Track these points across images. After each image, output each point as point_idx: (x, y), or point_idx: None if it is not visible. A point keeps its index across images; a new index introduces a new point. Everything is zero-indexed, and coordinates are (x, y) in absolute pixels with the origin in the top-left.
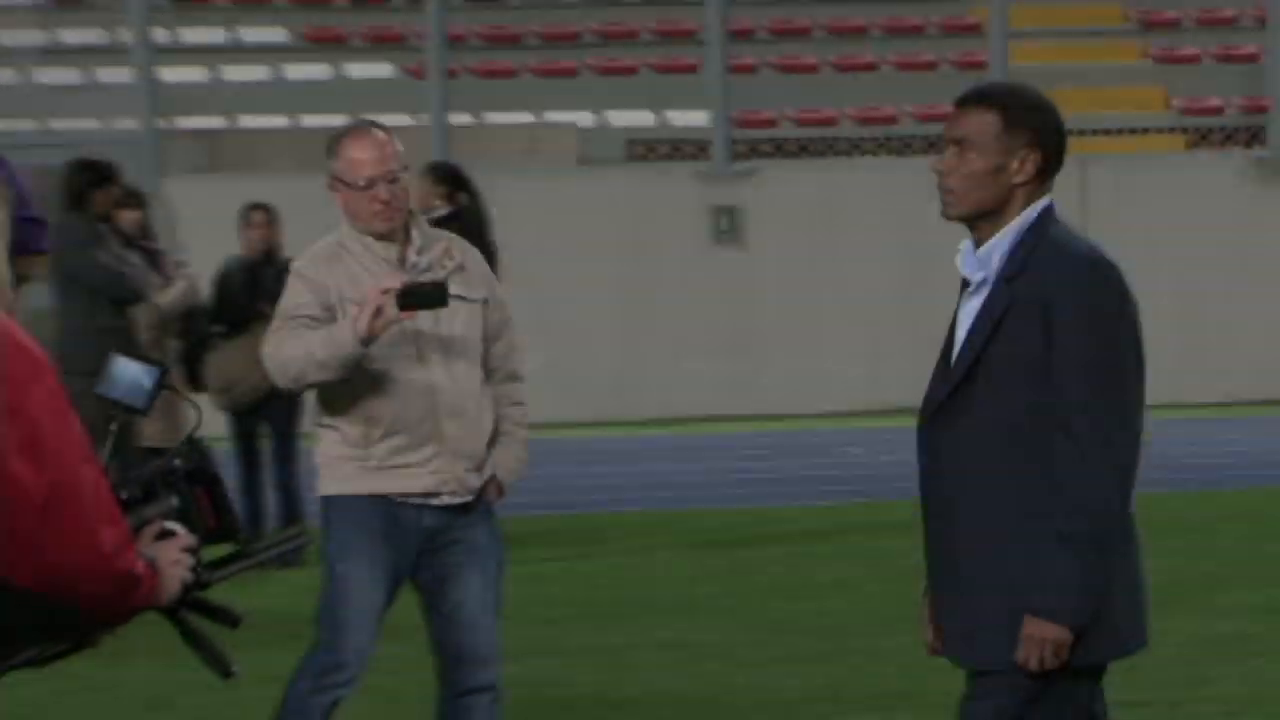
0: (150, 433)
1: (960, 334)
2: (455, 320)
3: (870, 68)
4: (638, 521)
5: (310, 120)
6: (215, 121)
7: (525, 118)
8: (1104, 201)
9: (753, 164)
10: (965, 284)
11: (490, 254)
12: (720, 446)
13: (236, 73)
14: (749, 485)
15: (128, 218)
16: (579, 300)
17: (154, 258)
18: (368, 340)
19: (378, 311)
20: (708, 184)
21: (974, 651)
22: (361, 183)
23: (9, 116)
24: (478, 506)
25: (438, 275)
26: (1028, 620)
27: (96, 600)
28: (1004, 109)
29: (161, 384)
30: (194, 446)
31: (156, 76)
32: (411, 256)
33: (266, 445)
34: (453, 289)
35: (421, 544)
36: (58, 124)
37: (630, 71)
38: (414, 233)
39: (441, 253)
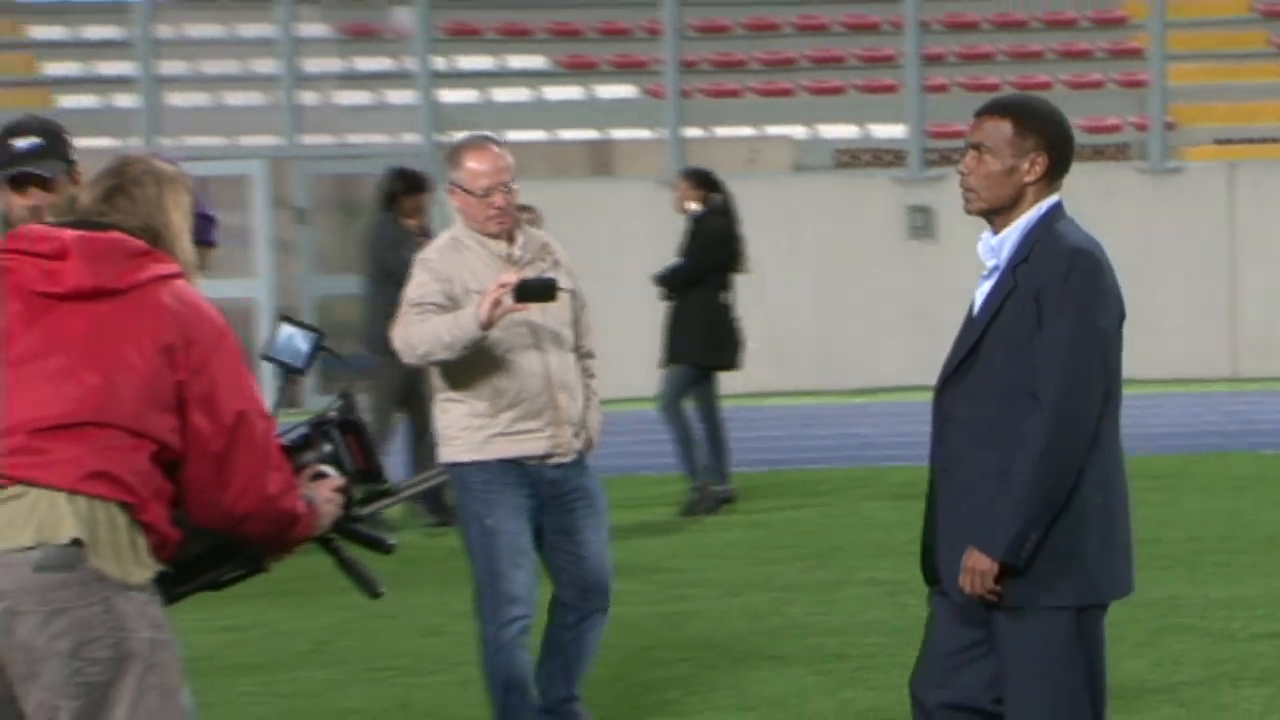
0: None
1: (975, 312)
2: (557, 309)
3: (1045, 86)
4: (844, 477)
5: (565, 135)
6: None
7: (748, 131)
8: (1250, 199)
9: (943, 170)
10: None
11: (739, 243)
12: (913, 413)
13: (503, 94)
14: None
15: (409, 221)
16: (794, 287)
17: None
18: (487, 325)
19: (497, 302)
20: (905, 187)
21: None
22: (480, 191)
23: (312, 133)
24: (579, 462)
25: (543, 271)
26: (968, 551)
27: (262, 534)
28: (1016, 118)
29: (318, 347)
30: (346, 400)
31: (436, 98)
32: (516, 252)
33: None
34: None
35: (545, 495)
36: (353, 139)
37: (838, 91)
38: (516, 232)
39: (539, 249)
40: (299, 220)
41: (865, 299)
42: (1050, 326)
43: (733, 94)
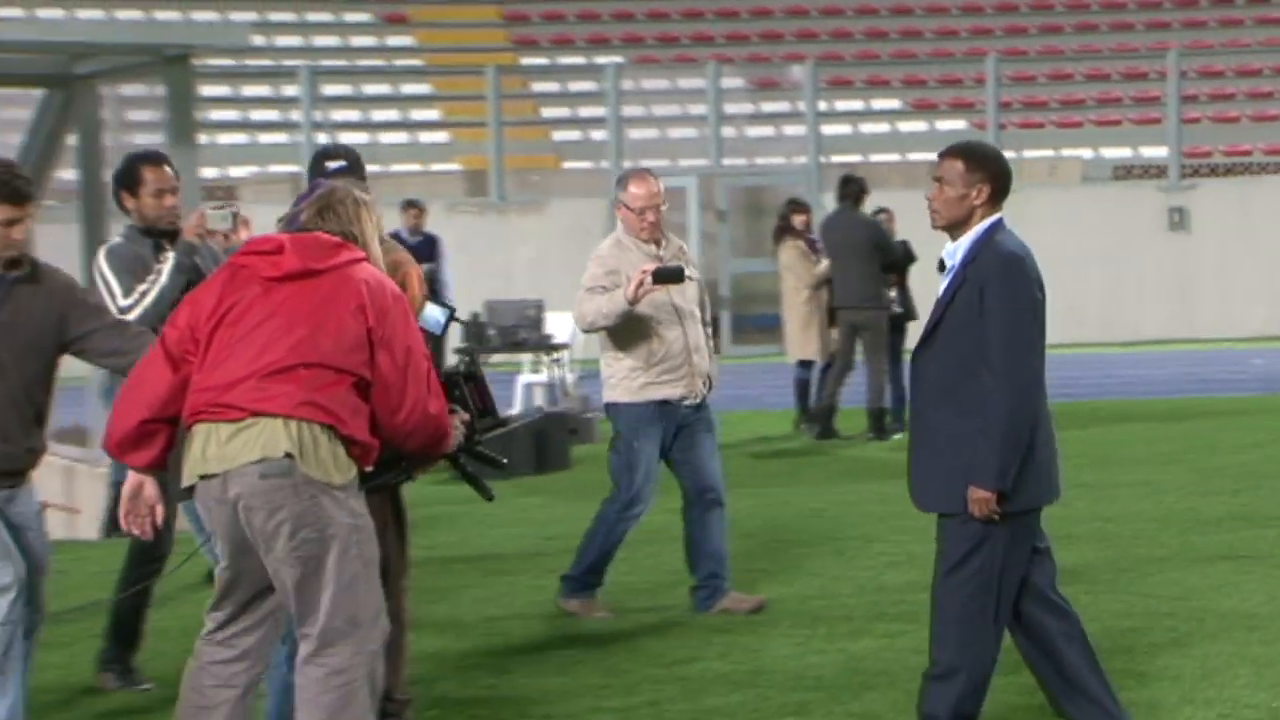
0: (808, 349)
1: (938, 299)
2: (690, 291)
3: (1274, 119)
4: (1118, 406)
5: (913, 157)
6: (854, 158)
7: (1048, 153)
8: None
9: (1195, 180)
10: (943, 267)
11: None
12: (1172, 360)
13: (868, 127)
14: (1191, 383)
15: (797, 220)
16: (1085, 267)
17: (812, 244)
18: (633, 301)
19: (640, 283)
20: (1166, 193)
21: (928, 501)
22: (638, 209)
23: (730, 157)
24: (704, 401)
25: (674, 264)
26: (970, 488)
27: (420, 445)
28: (966, 158)
29: (450, 319)
30: (470, 359)
31: (819, 131)
32: (661, 253)
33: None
34: (686, 272)
35: (678, 426)
36: (759, 161)
37: (1116, 123)
38: (661, 239)
39: (677, 250)
40: (720, 219)
41: (1136, 276)
42: (993, 309)
43: (1037, 126)
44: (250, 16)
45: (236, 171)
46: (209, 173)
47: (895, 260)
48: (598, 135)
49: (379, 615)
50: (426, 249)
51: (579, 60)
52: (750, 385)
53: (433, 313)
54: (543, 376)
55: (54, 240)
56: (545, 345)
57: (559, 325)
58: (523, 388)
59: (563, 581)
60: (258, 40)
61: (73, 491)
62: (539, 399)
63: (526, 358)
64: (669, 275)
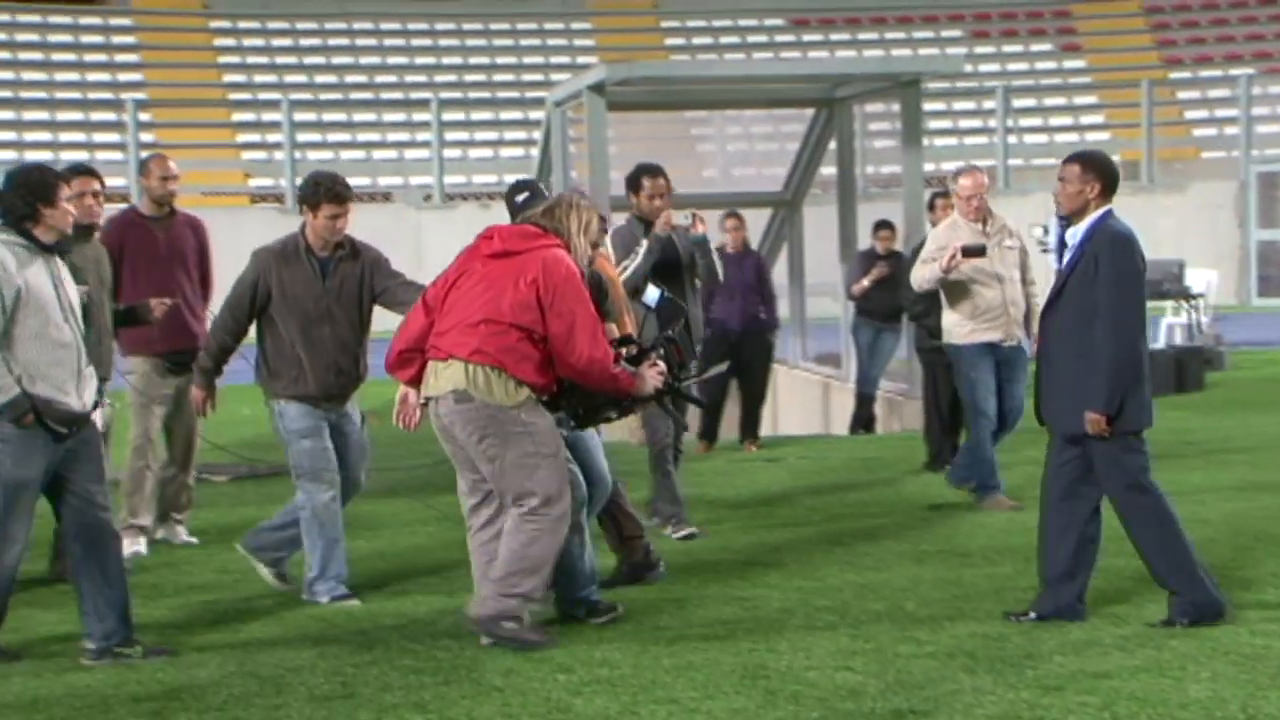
0: None
1: (1063, 268)
2: (1009, 258)
3: None
4: None
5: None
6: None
7: None
8: None
9: None
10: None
11: None
12: None
13: None
14: None
15: None
16: None
17: None
18: (946, 271)
19: (952, 256)
20: None
21: (1053, 421)
22: (965, 196)
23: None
24: (1019, 345)
25: (986, 241)
26: (1086, 413)
27: (597, 384)
28: (1082, 163)
29: (664, 296)
30: (673, 329)
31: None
32: (988, 230)
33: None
34: (1005, 243)
35: (999, 360)
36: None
37: None
38: (988, 219)
39: (1000, 228)
40: None
41: None
42: (1105, 276)
43: None
44: (962, 50)
45: (947, 166)
46: (928, 167)
47: None
48: (1230, 131)
49: (560, 493)
50: None
51: (1216, 74)
52: (1274, 329)
53: (652, 290)
54: (1182, 319)
55: (818, 217)
56: (1184, 294)
57: (1196, 279)
58: (1165, 328)
59: (975, 491)
60: (967, 67)
61: (828, 401)
62: (1178, 337)
63: (1169, 304)
64: (973, 251)
